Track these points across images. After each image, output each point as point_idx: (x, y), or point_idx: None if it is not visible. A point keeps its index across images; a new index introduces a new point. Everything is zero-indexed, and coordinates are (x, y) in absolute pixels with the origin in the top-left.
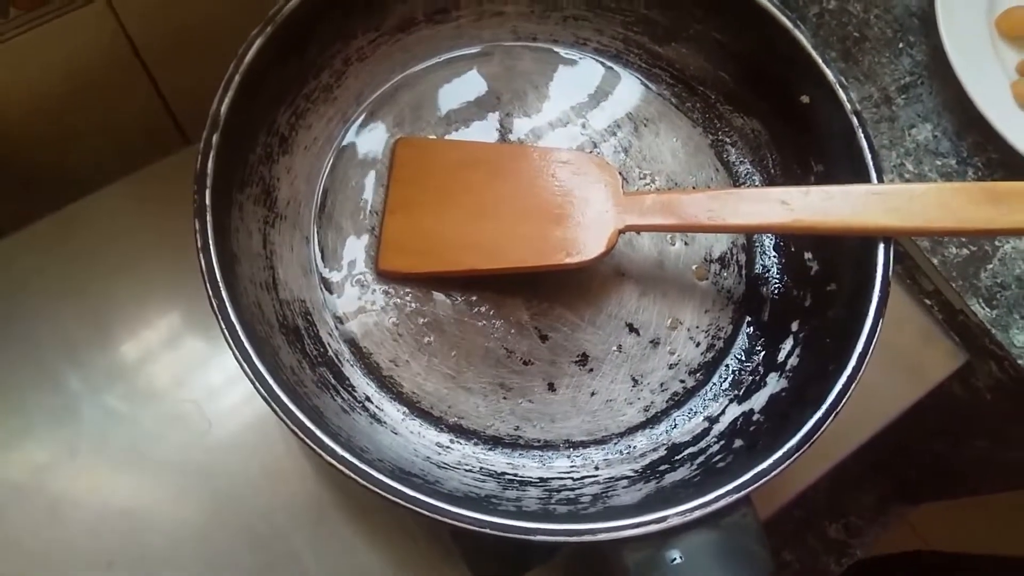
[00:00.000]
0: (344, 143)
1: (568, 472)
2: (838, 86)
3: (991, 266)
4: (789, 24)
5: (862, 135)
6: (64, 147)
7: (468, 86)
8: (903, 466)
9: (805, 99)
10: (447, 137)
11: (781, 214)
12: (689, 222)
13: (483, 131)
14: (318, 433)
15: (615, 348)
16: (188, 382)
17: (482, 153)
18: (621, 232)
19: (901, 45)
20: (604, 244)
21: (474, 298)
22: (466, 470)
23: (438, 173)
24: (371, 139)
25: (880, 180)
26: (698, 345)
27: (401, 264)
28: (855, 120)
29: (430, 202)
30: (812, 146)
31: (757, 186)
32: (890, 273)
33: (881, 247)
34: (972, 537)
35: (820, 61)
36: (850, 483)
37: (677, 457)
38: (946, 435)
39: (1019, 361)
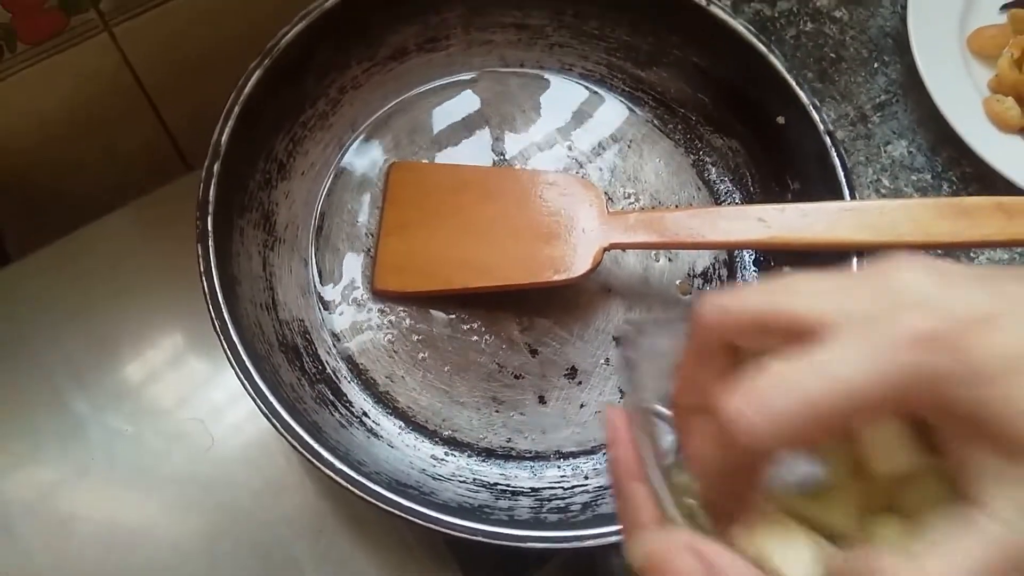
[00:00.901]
0: (340, 168)
1: (559, 482)
2: (811, 107)
3: None
4: (764, 49)
5: (835, 154)
6: (69, 174)
7: (459, 110)
8: None
9: (781, 120)
10: (439, 159)
11: (759, 231)
12: (671, 239)
13: (473, 153)
14: (317, 448)
15: (603, 361)
16: (192, 400)
17: (472, 176)
18: (606, 250)
19: (876, 65)
20: (590, 262)
21: (466, 315)
22: (460, 481)
23: (431, 195)
24: (366, 163)
25: (853, 197)
26: None
27: (396, 284)
28: (828, 140)
29: (423, 223)
30: (788, 165)
31: (737, 203)
32: None
33: (855, 261)
34: None
35: (794, 84)
36: None
37: None
38: None
39: None
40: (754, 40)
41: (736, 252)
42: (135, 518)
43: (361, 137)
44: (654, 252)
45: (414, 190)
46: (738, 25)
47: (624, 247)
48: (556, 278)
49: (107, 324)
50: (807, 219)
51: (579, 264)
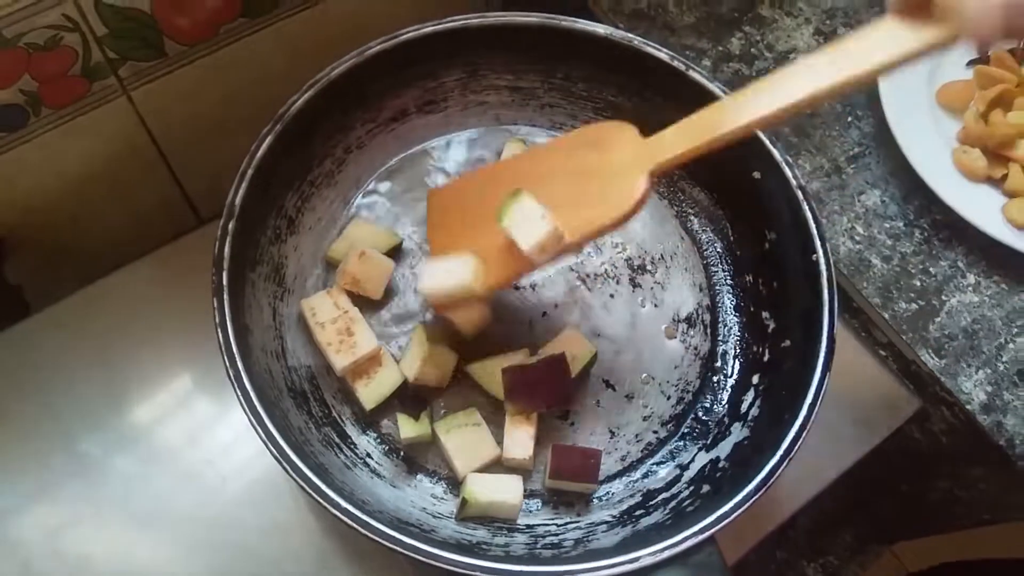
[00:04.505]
0: (346, 221)
1: (552, 519)
2: (784, 164)
3: (939, 319)
4: None
5: (806, 207)
6: (87, 230)
7: (457, 158)
8: (877, 507)
9: (756, 175)
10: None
11: (781, 99)
12: (710, 137)
13: None
14: (324, 488)
15: (594, 403)
16: (201, 442)
17: (503, 168)
18: (653, 174)
19: (849, 119)
20: (640, 190)
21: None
22: (458, 519)
23: (469, 202)
24: (372, 218)
25: (824, 246)
26: (669, 398)
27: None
28: (800, 194)
29: (468, 226)
30: (764, 216)
31: (719, 251)
32: (835, 330)
33: (826, 308)
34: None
35: (767, 142)
36: (828, 524)
37: (652, 502)
38: (911, 477)
39: (968, 406)
40: None
41: (718, 300)
42: (147, 556)
43: (365, 192)
44: (640, 299)
45: (453, 206)
46: (715, 88)
47: (670, 165)
48: (613, 216)
49: (120, 371)
50: (798, 78)
51: (627, 197)
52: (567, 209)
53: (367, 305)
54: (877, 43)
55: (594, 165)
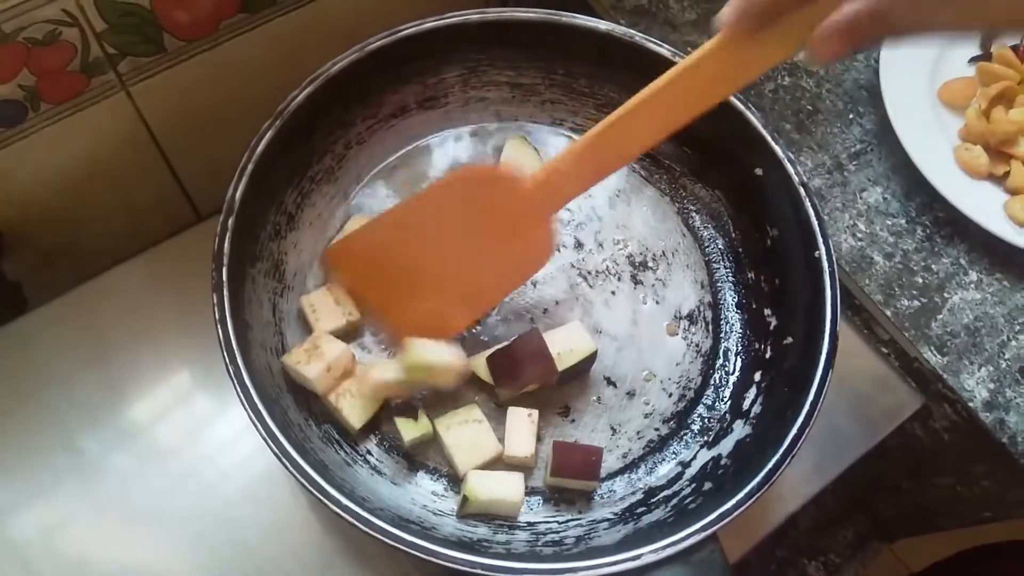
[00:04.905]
0: (345, 217)
1: (553, 516)
2: (786, 160)
3: (941, 316)
4: (742, 107)
5: (808, 204)
6: (85, 226)
7: (458, 154)
8: (878, 505)
9: (759, 172)
10: None
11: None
12: (600, 174)
13: None
14: (324, 485)
15: (595, 400)
16: (200, 439)
17: (394, 217)
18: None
19: (851, 116)
20: (553, 240)
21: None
22: (459, 516)
23: (372, 262)
24: (371, 212)
25: (827, 243)
26: (670, 396)
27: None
28: (802, 190)
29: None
30: (766, 213)
31: (720, 248)
32: (838, 327)
33: (828, 305)
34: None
35: (769, 138)
36: (829, 522)
37: (653, 500)
38: (913, 474)
39: (970, 404)
40: (732, 98)
41: (720, 296)
42: (146, 554)
43: (366, 188)
44: (642, 296)
45: (357, 265)
46: None
47: (564, 203)
48: (519, 281)
49: (119, 367)
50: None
51: (536, 257)
52: (486, 269)
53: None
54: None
55: (496, 220)
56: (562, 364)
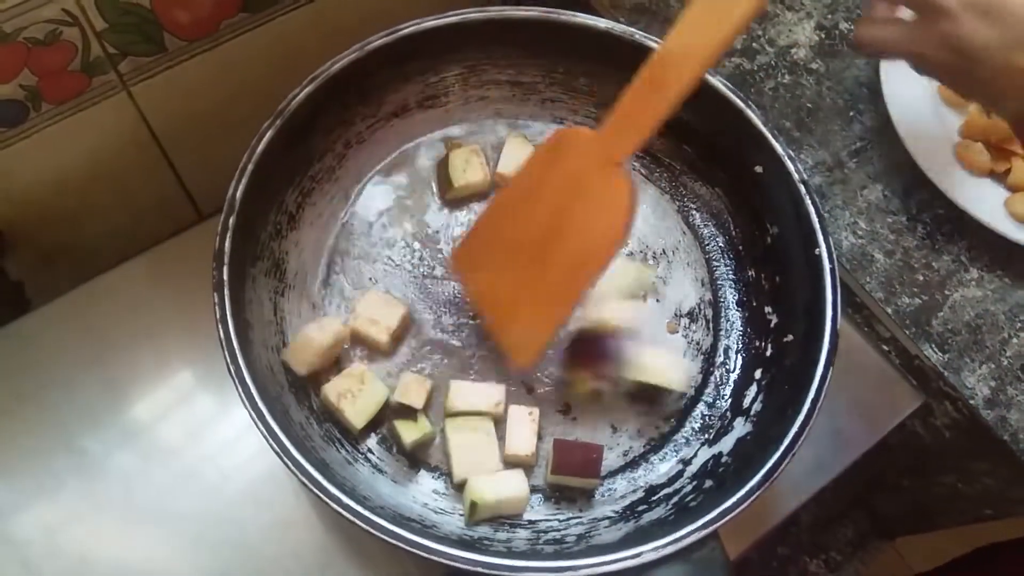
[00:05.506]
0: (347, 216)
1: (554, 514)
2: (786, 158)
3: (942, 313)
4: (742, 104)
5: (809, 201)
6: (87, 226)
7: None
8: (879, 502)
9: (759, 169)
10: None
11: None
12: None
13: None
14: (325, 484)
15: (595, 398)
16: (201, 439)
17: (496, 208)
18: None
19: (852, 113)
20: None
21: (467, 354)
22: (460, 515)
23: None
24: (371, 212)
25: (827, 240)
26: (671, 393)
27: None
28: (802, 188)
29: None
30: (767, 211)
31: (720, 246)
32: (838, 324)
33: (829, 303)
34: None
35: (769, 136)
36: (830, 520)
37: (654, 498)
38: (914, 472)
39: (971, 401)
40: (732, 96)
41: (720, 294)
42: (147, 554)
43: (367, 187)
44: (643, 294)
45: (480, 266)
46: (717, 82)
47: (635, 145)
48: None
49: (121, 367)
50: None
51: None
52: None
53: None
54: None
55: (573, 184)
56: (640, 375)
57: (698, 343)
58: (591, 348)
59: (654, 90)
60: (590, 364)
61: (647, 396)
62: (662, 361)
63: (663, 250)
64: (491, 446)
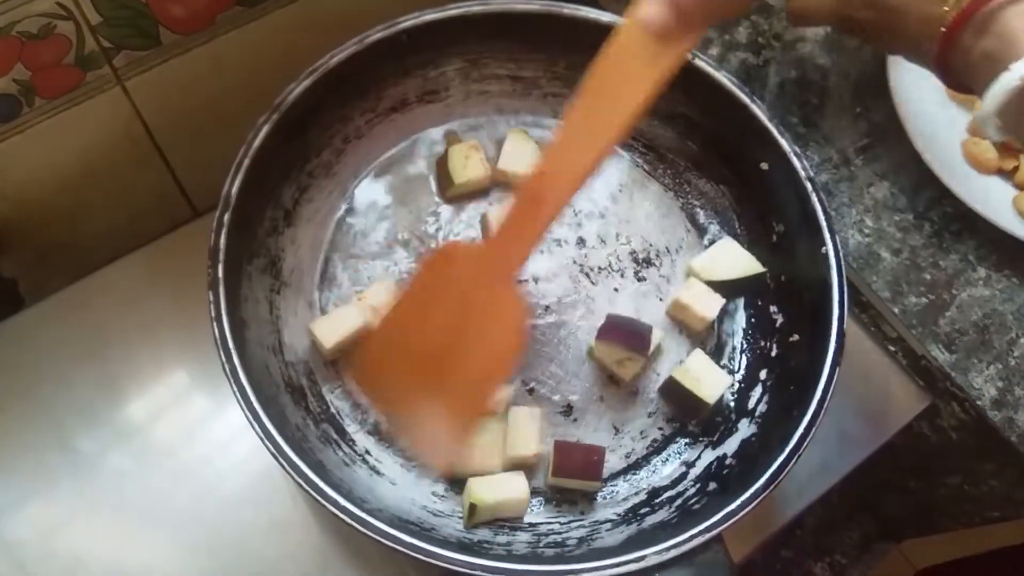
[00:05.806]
0: (344, 214)
1: (555, 517)
2: (793, 154)
3: (949, 313)
4: (747, 99)
5: (815, 199)
6: (81, 222)
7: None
8: (884, 505)
9: (764, 166)
10: (441, 203)
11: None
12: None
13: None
14: (322, 486)
15: (597, 398)
16: (197, 439)
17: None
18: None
19: (858, 110)
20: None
21: None
22: (459, 517)
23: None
24: (369, 208)
25: (834, 238)
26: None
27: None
28: (809, 185)
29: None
30: (772, 208)
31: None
32: (844, 325)
33: (835, 302)
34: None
35: (775, 132)
36: (835, 522)
37: (657, 500)
38: (920, 474)
39: (978, 402)
40: (737, 91)
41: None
42: (142, 554)
43: (365, 183)
44: (646, 292)
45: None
46: (722, 77)
47: (521, 261)
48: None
49: (116, 366)
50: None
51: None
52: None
53: None
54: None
55: (471, 296)
56: (683, 378)
57: (703, 342)
58: (630, 331)
59: (536, 206)
60: (637, 348)
61: (673, 397)
62: (709, 371)
63: (667, 248)
64: (492, 447)
